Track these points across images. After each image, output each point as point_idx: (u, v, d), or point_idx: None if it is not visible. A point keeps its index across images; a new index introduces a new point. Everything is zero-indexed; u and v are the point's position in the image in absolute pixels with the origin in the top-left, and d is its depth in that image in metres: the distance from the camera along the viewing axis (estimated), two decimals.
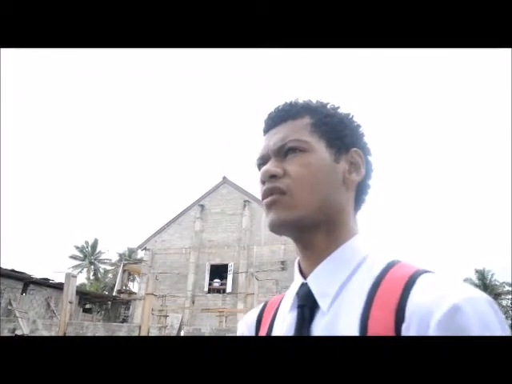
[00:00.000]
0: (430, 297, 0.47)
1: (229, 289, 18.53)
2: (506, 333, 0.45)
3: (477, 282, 35.58)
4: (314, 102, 0.67)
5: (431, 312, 0.45)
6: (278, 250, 17.78)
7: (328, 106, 0.67)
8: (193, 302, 18.55)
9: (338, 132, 0.64)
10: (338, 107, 0.68)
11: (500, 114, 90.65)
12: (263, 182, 0.62)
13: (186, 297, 18.58)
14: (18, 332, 12.82)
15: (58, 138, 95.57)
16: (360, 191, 0.66)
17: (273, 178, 0.60)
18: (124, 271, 24.96)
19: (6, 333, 12.17)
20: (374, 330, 0.48)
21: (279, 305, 0.67)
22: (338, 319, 0.53)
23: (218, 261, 19.30)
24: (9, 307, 16.27)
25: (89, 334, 11.66)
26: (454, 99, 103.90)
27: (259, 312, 0.71)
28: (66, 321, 11.71)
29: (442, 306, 0.45)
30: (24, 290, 17.99)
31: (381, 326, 0.48)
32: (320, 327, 0.54)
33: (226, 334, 11.62)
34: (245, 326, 0.72)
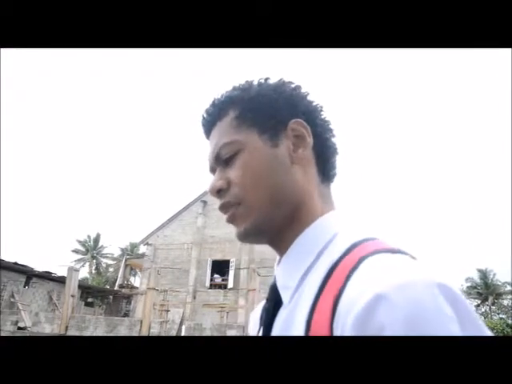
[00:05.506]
0: (359, 286, 0.39)
1: (230, 284, 18.59)
2: (465, 328, 0.34)
3: (478, 281, 35.52)
4: (237, 87, 0.59)
5: (353, 305, 0.37)
6: None
7: (253, 86, 0.59)
8: (194, 298, 18.61)
9: (266, 112, 0.57)
10: (266, 79, 0.59)
11: (500, 114, 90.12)
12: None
13: (187, 292, 18.65)
14: (21, 324, 12.92)
15: (61, 134, 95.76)
16: (322, 160, 0.58)
17: (220, 192, 0.57)
18: (126, 266, 25.05)
19: (8, 325, 12.27)
20: (315, 325, 0.42)
21: None
22: (295, 312, 0.48)
23: (219, 256, 19.36)
24: (12, 300, 16.40)
25: (90, 328, 11.74)
26: (454, 99, 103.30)
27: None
28: (68, 314, 11.79)
29: (363, 298, 0.37)
30: (27, 283, 18.12)
31: (321, 321, 0.42)
32: (280, 320, 0.51)
33: (227, 330, 11.66)
34: (252, 321, 0.68)
